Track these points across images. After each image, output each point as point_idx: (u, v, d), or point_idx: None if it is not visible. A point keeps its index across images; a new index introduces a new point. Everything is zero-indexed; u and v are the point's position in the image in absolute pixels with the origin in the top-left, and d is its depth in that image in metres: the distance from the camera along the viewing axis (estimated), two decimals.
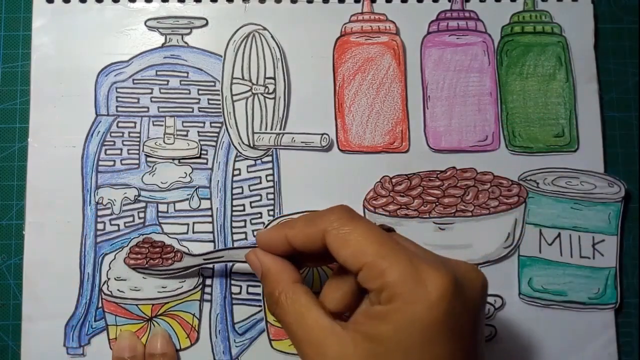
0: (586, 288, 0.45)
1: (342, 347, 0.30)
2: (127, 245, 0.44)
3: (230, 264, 0.44)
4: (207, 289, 0.44)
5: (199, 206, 0.45)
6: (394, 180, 0.46)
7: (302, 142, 0.46)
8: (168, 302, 0.43)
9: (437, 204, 0.45)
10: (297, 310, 0.32)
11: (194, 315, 0.44)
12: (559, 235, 0.45)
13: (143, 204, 0.45)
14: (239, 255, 0.39)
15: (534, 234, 0.45)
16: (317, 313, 0.31)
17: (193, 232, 0.45)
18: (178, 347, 0.43)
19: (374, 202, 0.45)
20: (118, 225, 0.45)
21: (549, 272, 0.45)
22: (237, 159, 0.46)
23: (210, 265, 0.44)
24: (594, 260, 0.45)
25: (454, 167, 0.46)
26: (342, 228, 0.32)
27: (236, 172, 0.46)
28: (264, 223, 0.45)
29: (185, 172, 0.46)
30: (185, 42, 0.47)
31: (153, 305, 0.43)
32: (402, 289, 0.29)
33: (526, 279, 0.45)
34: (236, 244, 0.45)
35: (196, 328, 0.44)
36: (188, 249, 0.44)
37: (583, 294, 0.45)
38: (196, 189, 0.45)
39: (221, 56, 0.46)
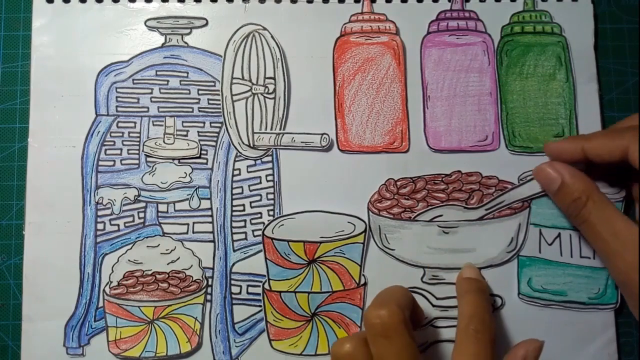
0: (586, 288, 0.45)
1: None
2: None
3: (230, 263, 0.45)
4: (207, 289, 0.44)
5: (199, 206, 0.45)
6: (398, 183, 0.46)
7: (302, 142, 0.46)
8: (171, 305, 0.43)
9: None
10: (606, 214, 0.38)
11: (195, 319, 0.44)
12: (558, 235, 0.45)
13: (143, 204, 0.45)
14: (521, 192, 0.44)
15: (534, 234, 0.45)
16: (625, 217, 0.38)
17: (193, 232, 0.45)
18: (178, 352, 0.43)
19: (378, 204, 0.45)
20: (118, 225, 0.45)
21: (548, 272, 0.45)
22: (237, 159, 0.46)
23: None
24: (594, 260, 0.45)
25: (459, 171, 0.46)
26: None
27: (236, 172, 0.46)
28: (263, 223, 0.45)
29: (185, 172, 0.46)
30: (185, 42, 0.47)
31: (155, 307, 0.43)
32: None
33: (526, 279, 0.45)
34: (236, 244, 0.45)
35: (198, 332, 0.44)
36: (192, 250, 0.45)
37: (583, 294, 0.45)
38: (196, 189, 0.45)
39: (221, 56, 0.46)
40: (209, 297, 0.44)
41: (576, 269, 0.45)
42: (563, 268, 0.45)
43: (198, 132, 0.46)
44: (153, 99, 0.46)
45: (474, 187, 0.46)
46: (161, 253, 0.44)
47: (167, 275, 0.44)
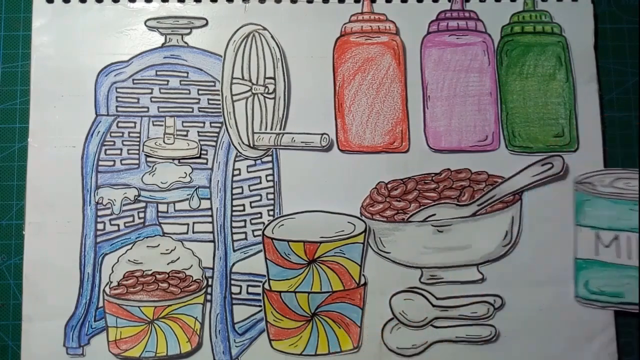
0: None
1: None
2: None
3: (230, 263, 0.45)
4: (207, 289, 0.44)
5: (199, 206, 0.45)
6: (389, 186, 0.46)
7: (302, 142, 0.46)
8: (171, 305, 0.43)
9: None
10: None
11: (196, 319, 0.44)
12: (616, 237, 0.44)
13: (143, 204, 0.45)
14: (511, 185, 0.44)
15: (590, 237, 0.45)
16: None
17: (193, 232, 0.45)
18: (178, 352, 0.43)
19: (370, 208, 0.45)
20: (118, 225, 0.45)
21: (605, 274, 0.44)
22: (237, 159, 0.46)
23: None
24: None
25: (448, 169, 0.46)
26: None
27: (236, 172, 0.46)
28: (263, 223, 0.45)
29: (185, 172, 0.46)
30: (185, 42, 0.47)
31: (155, 307, 0.43)
32: None
33: (582, 281, 0.45)
34: (236, 244, 0.45)
35: (198, 332, 0.44)
36: (192, 250, 0.45)
37: None
38: (196, 189, 0.45)
39: (221, 56, 0.46)
40: (209, 297, 0.44)
41: (634, 270, 0.44)
42: (620, 270, 0.44)
43: (198, 132, 0.46)
44: (153, 99, 0.46)
45: (464, 183, 0.46)
46: (161, 253, 0.44)
47: (167, 275, 0.44)
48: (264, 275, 0.45)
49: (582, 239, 0.45)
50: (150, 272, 0.44)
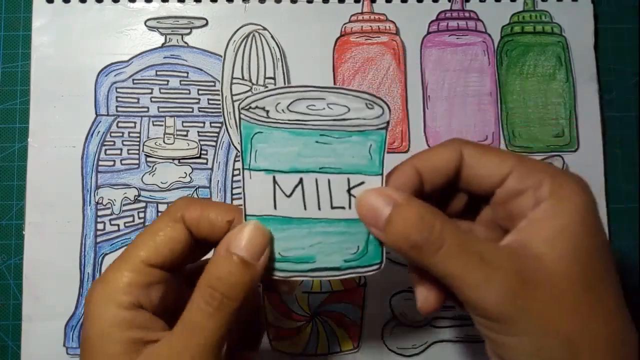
0: (341, 248, 0.31)
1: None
2: None
3: None
4: None
5: None
6: None
7: None
8: None
9: None
10: (466, 243, 0.28)
11: None
12: (300, 181, 0.32)
13: (143, 204, 0.45)
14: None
15: (266, 184, 0.32)
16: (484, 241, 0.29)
17: None
18: None
19: None
20: (118, 225, 0.45)
21: (289, 233, 0.32)
22: (237, 159, 0.46)
23: None
24: (351, 211, 0.31)
25: None
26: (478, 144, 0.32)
27: (236, 172, 0.46)
28: None
29: (185, 172, 0.46)
30: (185, 42, 0.47)
31: None
32: (562, 179, 0.28)
33: None
34: None
35: None
36: None
37: (337, 256, 0.32)
38: (196, 189, 0.45)
39: (221, 56, 0.46)
40: None
41: (326, 224, 0.32)
42: (308, 226, 0.32)
43: (198, 132, 0.46)
44: (153, 99, 0.46)
45: None
46: None
47: None
48: None
49: (253, 189, 0.33)
50: None
